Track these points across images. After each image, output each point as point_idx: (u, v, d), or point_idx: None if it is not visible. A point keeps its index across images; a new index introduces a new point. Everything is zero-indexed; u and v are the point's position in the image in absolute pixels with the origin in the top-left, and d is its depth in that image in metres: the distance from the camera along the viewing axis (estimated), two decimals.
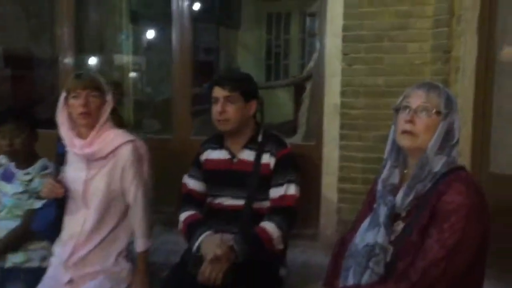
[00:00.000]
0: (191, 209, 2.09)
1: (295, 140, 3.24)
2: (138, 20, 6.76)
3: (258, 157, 2.04)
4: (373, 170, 2.53)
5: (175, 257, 2.17)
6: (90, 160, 2.05)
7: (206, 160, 2.16)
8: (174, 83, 3.44)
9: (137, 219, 2.11)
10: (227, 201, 2.09)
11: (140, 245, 2.11)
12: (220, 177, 2.11)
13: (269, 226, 1.94)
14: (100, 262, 2.07)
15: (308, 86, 3.11)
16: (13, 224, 2.31)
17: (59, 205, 2.07)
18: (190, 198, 2.14)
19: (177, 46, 3.34)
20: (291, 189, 2.01)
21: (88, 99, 2.00)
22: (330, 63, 2.87)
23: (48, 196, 2.02)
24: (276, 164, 2.03)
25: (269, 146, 2.06)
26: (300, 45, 9.40)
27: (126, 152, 2.06)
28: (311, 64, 3.03)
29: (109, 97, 2.07)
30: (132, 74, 6.44)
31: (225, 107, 2.01)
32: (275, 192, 2.02)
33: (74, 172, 2.08)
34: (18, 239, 2.29)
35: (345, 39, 2.79)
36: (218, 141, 2.14)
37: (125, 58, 6.25)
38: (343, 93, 2.83)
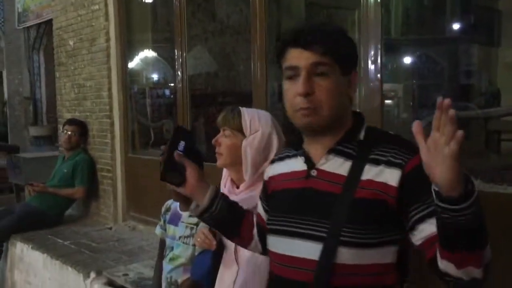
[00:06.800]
0: None
1: None
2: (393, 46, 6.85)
3: (356, 169, 1.17)
4: None
5: None
6: None
7: (270, 178, 1.39)
8: None
9: None
10: (296, 251, 1.21)
11: None
12: (287, 203, 1.27)
13: None
14: None
15: None
16: (175, 270, 2.22)
17: (214, 255, 1.84)
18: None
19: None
20: None
21: (220, 139, 1.80)
22: None
23: (200, 247, 1.84)
24: (409, 181, 1.12)
25: (381, 150, 1.17)
26: None
27: None
28: None
29: (250, 140, 1.71)
30: (387, 101, 6.50)
31: (312, 83, 1.15)
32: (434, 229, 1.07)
33: None
34: None
35: None
36: (294, 145, 1.33)
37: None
38: None
